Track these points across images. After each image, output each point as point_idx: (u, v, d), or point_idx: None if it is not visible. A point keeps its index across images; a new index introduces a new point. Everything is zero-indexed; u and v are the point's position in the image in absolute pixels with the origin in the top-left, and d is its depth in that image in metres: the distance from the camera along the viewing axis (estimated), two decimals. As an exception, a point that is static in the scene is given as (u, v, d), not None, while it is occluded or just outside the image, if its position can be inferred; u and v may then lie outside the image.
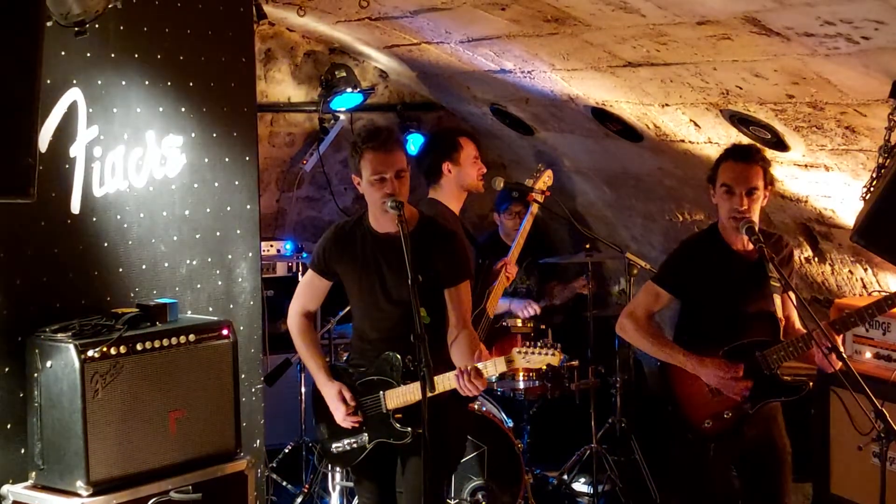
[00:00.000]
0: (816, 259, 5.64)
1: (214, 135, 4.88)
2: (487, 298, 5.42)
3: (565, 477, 6.53)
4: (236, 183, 4.97)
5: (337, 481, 5.78)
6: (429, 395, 3.81)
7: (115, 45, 4.53)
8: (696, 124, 5.30)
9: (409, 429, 4.19)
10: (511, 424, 5.93)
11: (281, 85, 7.16)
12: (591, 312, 6.46)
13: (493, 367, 4.03)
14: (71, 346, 4.06)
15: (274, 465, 6.25)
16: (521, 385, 6.13)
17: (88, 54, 4.43)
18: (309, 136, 7.41)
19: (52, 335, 4.15)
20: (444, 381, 4.03)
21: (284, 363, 5.91)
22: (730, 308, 4.42)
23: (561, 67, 5.40)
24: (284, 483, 6.30)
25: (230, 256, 4.97)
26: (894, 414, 3.77)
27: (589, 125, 6.19)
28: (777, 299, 4.42)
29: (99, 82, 4.48)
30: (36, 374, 4.15)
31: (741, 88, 4.58)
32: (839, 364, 3.95)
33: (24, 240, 4.30)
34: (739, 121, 4.93)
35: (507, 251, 5.67)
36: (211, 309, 4.88)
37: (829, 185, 5.00)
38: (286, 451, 6.42)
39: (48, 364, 4.11)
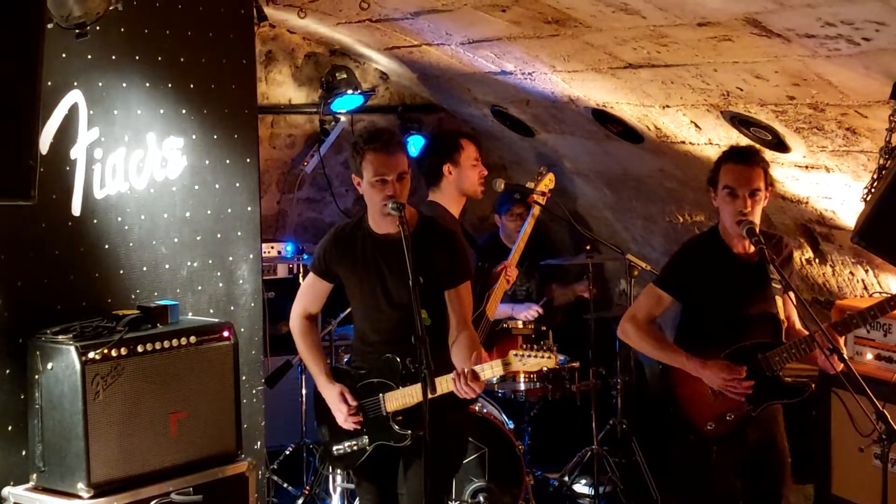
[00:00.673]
0: (817, 260, 5.64)
1: (215, 137, 4.88)
2: (487, 301, 5.41)
3: (566, 478, 6.53)
4: (237, 185, 4.97)
5: (338, 483, 5.79)
6: (429, 396, 3.81)
7: (115, 48, 4.53)
8: (696, 126, 5.30)
9: (409, 431, 4.19)
10: (512, 426, 5.93)
11: (282, 87, 7.17)
12: (591, 314, 6.46)
13: (490, 370, 4.03)
14: (72, 348, 4.06)
15: (275, 466, 6.25)
16: (522, 387, 6.13)
17: (89, 56, 4.44)
18: (310, 137, 7.41)
19: (53, 337, 4.15)
20: (445, 383, 4.03)
21: (285, 365, 5.91)
22: (731, 310, 4.42)
23: (561, 69, 5.40)
24: (285, 485, 6.30)
25: (231, 258, 4.97)
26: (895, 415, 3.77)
27: (589, 127, 6.19)
28: (779, 301, 4.42)
29: (100, 84, 4.49)
30: (37, 376, 4.15)
31: (742, 90, 4.57)
32: (841, 365, 3.95)
33: (24, 241, 4.30)
34: (740, 122, 4.93)
35: (508, 253, 5.66)
36: (212, 311, 4.88)
37: (830, 186, 4.99)
38: (287, 452, 6.42)
39: (49, 366, 4.11)
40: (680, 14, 3.98)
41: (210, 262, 4.90)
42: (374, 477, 4.40)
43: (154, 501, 4.20)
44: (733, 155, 4.43)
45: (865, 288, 5.43)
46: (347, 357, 4.70)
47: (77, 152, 4.42)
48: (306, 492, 6.12)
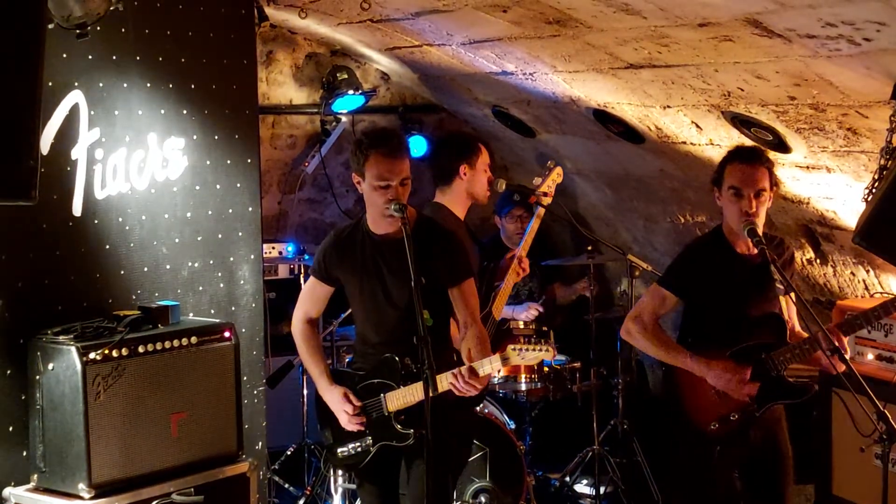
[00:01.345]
0: (818, 261, 5.64)
1: (216, 137, 4.88)
2: (493, 301, 5.40)
3: (567, 479, 6.53)
4: (238, 185, 4.97)
5: (339, 483, 5.79)
6: (431, 395, 3.80)
7: (116, 48, 4.53)
8: (697, 126, 5.30)
9: (412, 430, 4.19)
10: (513, 426, 5.94)
11: (282, 87, 7.17)
12: (592, 314, 6.45)
13: (489, 365, 4.03)
14: (73, 349, 4.06)
15: (276, 467, 6.25)
16: (524, 387, 6.13)
17: (90, 57, 4.44)
18: (311, 138, 7.41)
19: (54, 337, 4.15)
20: (445, 381, 4.04)
21: (286, 365, 5.91)
22: (735, 311, 4.42)
23: (562, 69, 5.40)
24: (286, 485, 6.30)
25: (232, 259, 4.97)
26: (896, 416, 3.77)
27: (590, 127, 6.19)
28: (783, 301, 4.42)
29: (100, 85, 4.49)
30: (38, 377, 4.15)
31: (743, 90, 4.57)
32: (842, 366, 3.95)
33: (25, 242, 4.30)
34: (741, 122, 4.93)
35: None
36: (213, 311, 4.88)
37: (831, 186, 4.99)
38: (288, 453, 6.42)
39: (50, 366, 4.12)
40: (681, 14, 3.98)
41: (211, 262, 4.90)
42: (376, 478, 4.40)
43: (155, 502, 4.20)
44: (739, 155, 4.42)
45: (866, 288, 5.42)
46: (349, 358, 4.70)
47: (78, 153, 4.42)
48: (307, 492, 6.12)
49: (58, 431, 4.11)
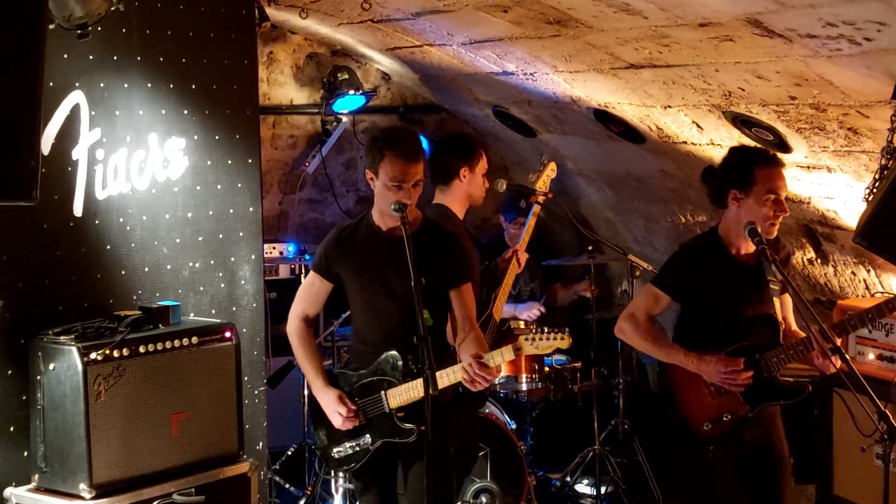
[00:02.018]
0: (819, 260, 5.64)
1: (217, 137, 4.88)
2: (494, 302, 5.40)
3: (568, 479, 6.54)
4: (239, 185, 4.97)
5: (340, 483, 5.78)
6: (431, 394, 3.80)
7: (117, 48, 4.53)
8: (698, 126, 5.30)
9: (414, 426, 4.18)
10: (514, 426, 5.93)
11: (283, 87, 7.17)
12: (593, 314, 6.46)
13: (500, 356, 4.02)
14: (74, 349, 4.06)
15: (277, 467, 6.25)
16: (524, 387, 6.13)
17: (91, 57, 4.44)
18: (311, 138, 7.42)
19: (55, 338, 4.15)
20: (446, 377, 4.03)
21: (287, 365, 5.91)
22: (730, 311, 4.41)
23: (563, 69, 5.40)
24: (287, 485, 6.30)
25: (233, 259, 4.97)
26: (897, 416, 3.77)
27: (591, 127, 6.19)
28: (776, 302, 4.42)
29: (101, 85, 4.49)
30: (39, 377, 4.15)
31: (743, 90, 4.57)
32: (840, 364, 3.95)
33: (26, 242, 4.30)
34: (742, 122, 4.93)
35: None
36: (214, 311, 4.88)
37: (832, 186, 4.99)
38: (289, 453, 6.42)
39: (51, 366, 4.12)
40: (681, 14, 3.98)
41: (212, 262, 4.90)
42: (374, 479, 4.39)
43: (156, 502, 4.19)
44: (767, 158, 4.38)
45: (867, 288, 5.43)
46: (347, 359, 4.69)
47: (79, 153, 4.42)
48: (308, 492, 6.12)
49: (59, 431, 4.11)
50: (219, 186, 4.91)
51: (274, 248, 6.97)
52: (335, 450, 4.38)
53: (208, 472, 4.38)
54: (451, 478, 4.33)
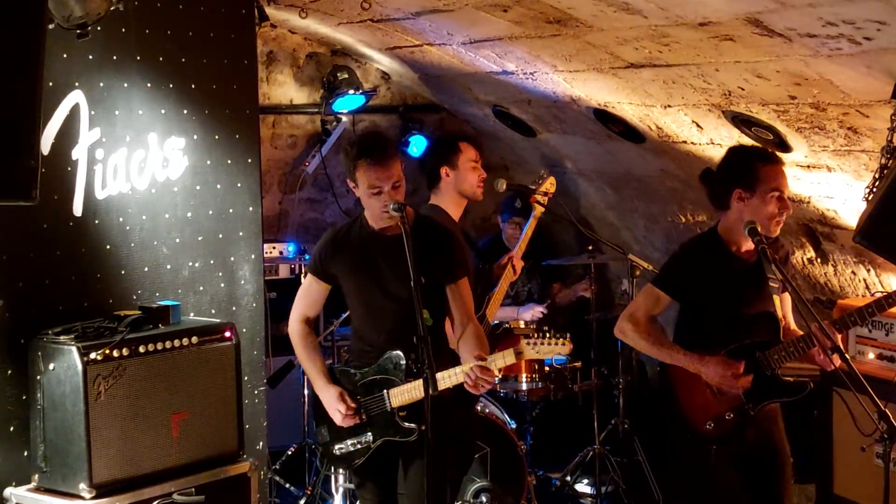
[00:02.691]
0: (819, 260, 5.64)
1: (217, 137, 4.88)
2: (487, 304, 5.40)
3: (568, 478, 6.54)
4: (238, 185, 4.97)
5: (340, 483, 5.78)
6: (431, 394, 3.80)
7: (117, 48, 4.53)
8: (698, 125, 5.30)
9: (415, 425, 4.18)
10: (514, 426, 5.93)
11: (283, 87, 7.17)
12: (594, 314, 6.46)
13: (501, 360, 4.03)
14: (73, 349, 4.06)
15: (277, 467, 6.25)
16: (524, 386, 6.13)
17: (90, 57, 4.44)
18: (311, 138, 7.42)
19: (55, 337, 4.15)
20: (447, 379, 4.04)
21: (287, 365, 5.91)
22: (730, 310, 4.41)
23: (563, 69, 5.40)
24: (287, 485, 6.30)
25: (233, 258, 4.97)
26: (897, 415, 3.76)
27: (591, 126, 6.19)
28: (776, 300, 4.42)
29: (101, 85, 4.49)
30: (38, 377, 4.15)
31: (743, 89, 4.57)
32: (839, 363, 3.95)
33: (26, 242, 4.30)
34: (742, 122, 4.93)
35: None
36: (213, 311, 4.88)
37: (832, 185, 4.99)
38: (289, 453, 6.42)
39: (51, 366, 4.11)
40: (681, 14, 3.98)
41: (212, 262, 4.90)
42: (374, 477, 4.39)
43: (156, 502, 4.19)
44: (768, 157, 4.37)
45: (867, 287, 5.42)
46: (347, 358, 4.70)
47: (78, 153, 4.42)
48: (308, 492, 6.12)
49: (59, 431, 4.10)
50: (218, 186, 4.91)
51: (274, 247, 6.97)
52: (336, 446, 4.38)
53: (208, 472, 4.38)
54: (448, 476, 4.34)
